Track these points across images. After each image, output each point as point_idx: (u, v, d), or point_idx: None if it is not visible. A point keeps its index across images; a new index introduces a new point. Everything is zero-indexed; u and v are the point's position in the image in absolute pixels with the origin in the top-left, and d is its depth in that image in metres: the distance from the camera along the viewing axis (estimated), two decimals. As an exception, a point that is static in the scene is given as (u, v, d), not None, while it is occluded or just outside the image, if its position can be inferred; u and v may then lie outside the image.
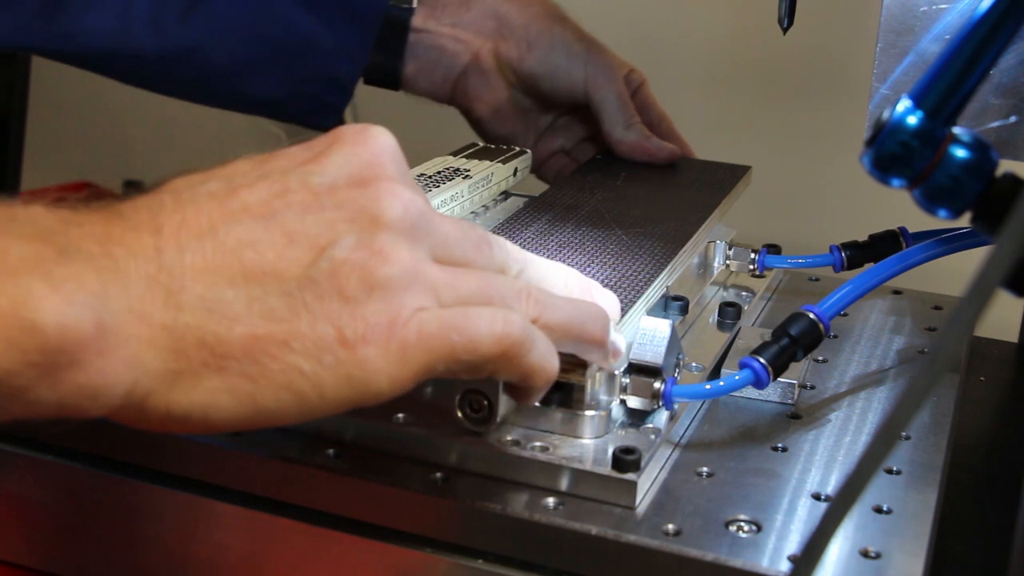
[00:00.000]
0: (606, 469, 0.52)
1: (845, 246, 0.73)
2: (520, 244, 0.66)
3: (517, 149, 0.86)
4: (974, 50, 0.51)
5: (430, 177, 0.78)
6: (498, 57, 0.89)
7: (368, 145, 0.47)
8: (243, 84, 0.89)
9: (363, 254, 0.44)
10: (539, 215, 0.72)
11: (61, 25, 0.83)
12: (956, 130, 0.53)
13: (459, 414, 0.53)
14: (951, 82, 0.52)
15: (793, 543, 0.50)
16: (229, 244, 0.44)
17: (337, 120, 0.90)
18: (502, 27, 0.89)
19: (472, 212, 0.79)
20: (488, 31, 0.89)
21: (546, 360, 0.49)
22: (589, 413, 0.54)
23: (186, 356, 0.43)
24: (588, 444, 0.54)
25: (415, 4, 0.89)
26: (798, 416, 0.61)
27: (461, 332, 0.45)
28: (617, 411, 0.56)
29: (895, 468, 0.56)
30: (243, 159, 0.48)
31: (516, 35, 0.88)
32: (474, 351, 0.46)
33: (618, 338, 0.53)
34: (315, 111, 0.91)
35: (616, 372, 0.55)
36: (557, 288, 0.52)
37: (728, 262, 0.76)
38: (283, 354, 0.43)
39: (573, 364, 0.53)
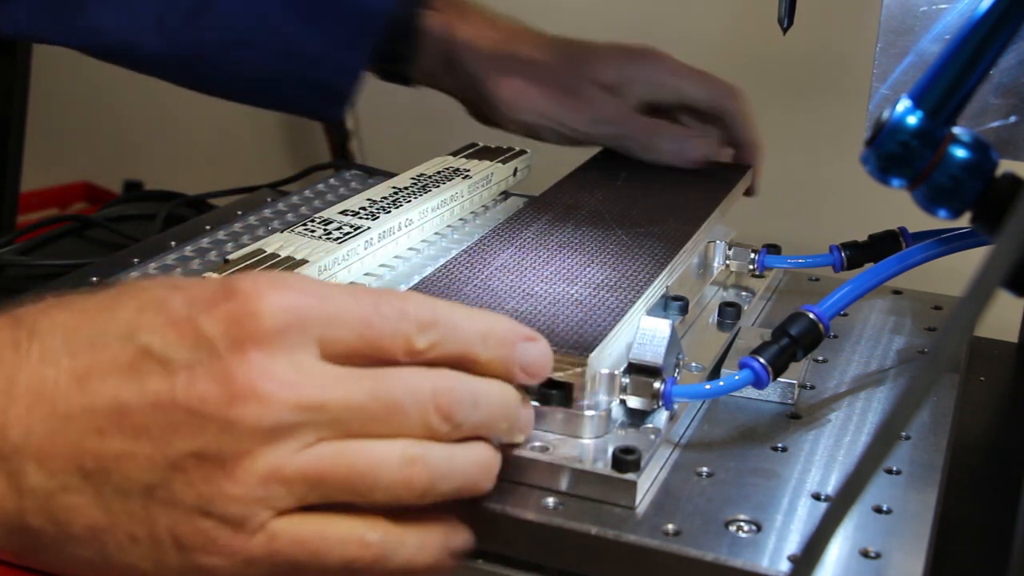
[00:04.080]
0: (606, 469, 0.52)
1: (845, 246, 0.73)
2: (520, 244, 0.66)
3: (517, 149, 0.86)
4: (974, 50, 0.51)
5: (430, 177, 0.78)
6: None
7: (260, 319, 0.43)
8: (248, 89, 0.90)
9: (206, 470, 0.42)
10: (539, 215, 0.72)
11: (73, 19, 0.83)
12: (956, 130, 0.53)
13: None
14: (951, 82, 0.52)
15: (793, 543, 0.50)
16: (72, 437, 0.43)
17: (340, 117, 0.91)
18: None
19: (472, 212, 0.79)
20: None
21: (417, 561, 0.46)
22: (588, 413, 0.54)
23: (30, 536, 0.44)
24: (588, 444, 0.54)
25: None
26: (798, 416, 0.61)
27: (311, 553, 0.44)
28: (617, 411, 0.56)
29: (895, 468, 0.56)
30: (128, 302, 0.45)
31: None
32: (323, 571, 0.45)
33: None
34: (318, 115, 0.93)
35: (616, 372, 0.55)
36: (473, 347, 0.48)
37: (728, 262, 0.76)
38: (122, 553, 0.43)
39: (572, 363, 0.53)
